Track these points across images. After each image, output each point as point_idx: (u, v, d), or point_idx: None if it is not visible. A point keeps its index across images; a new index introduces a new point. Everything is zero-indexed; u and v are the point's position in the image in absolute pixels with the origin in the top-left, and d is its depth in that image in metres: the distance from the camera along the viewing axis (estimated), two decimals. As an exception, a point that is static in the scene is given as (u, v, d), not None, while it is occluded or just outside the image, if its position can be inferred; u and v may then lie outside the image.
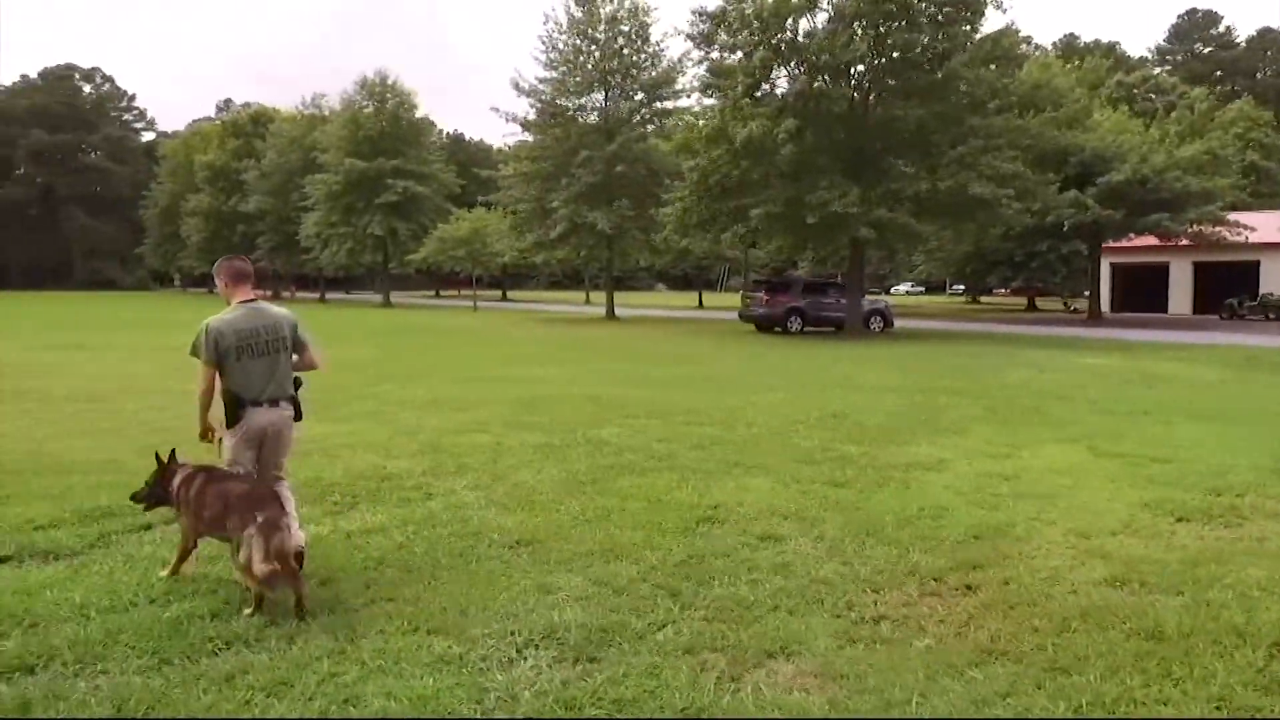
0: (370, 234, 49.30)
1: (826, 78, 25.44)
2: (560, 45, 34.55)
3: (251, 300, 4.74)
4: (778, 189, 25.62)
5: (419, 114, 52.88)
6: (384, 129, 50.31)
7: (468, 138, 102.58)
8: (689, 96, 34.64)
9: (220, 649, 3.80)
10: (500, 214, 50.21)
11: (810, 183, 23.87)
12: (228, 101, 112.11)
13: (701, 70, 27.14)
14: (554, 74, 35.18)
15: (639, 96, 35.15)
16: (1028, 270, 42.65)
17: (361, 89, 51.29)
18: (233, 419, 4.61)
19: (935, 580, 4.73)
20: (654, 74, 34.75)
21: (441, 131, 76.40)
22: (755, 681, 3.53)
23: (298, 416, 4.88)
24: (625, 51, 34.47)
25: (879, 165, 24.90)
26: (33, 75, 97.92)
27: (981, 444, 8.62)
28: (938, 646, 3.89)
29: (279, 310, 4.84)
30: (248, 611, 4.15)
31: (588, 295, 66.54)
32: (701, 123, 25.66)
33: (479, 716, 3.25)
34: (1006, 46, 25.64)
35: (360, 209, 49.65)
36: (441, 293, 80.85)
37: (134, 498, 4.92)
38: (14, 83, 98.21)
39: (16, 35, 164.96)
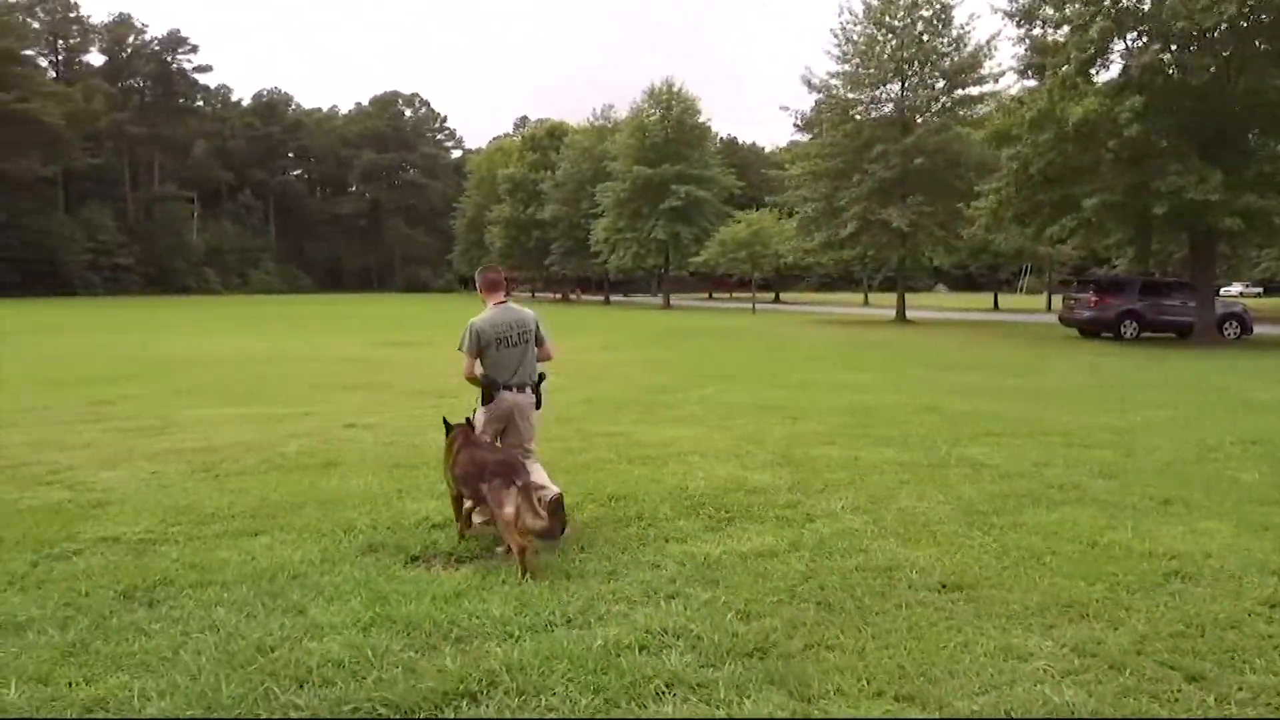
0: (654, 238, 50.58)
1: (1174, 47, 22.17)
2: (854, 36, 33.18)
3: (503, 302, 5.57)
4: (1111, 175, 22.72)
5: (701, 119, 53.43)
6: (669, 135, 51.48)
7: (740, 141, 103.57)
8: (995, 81, 32.12)
9: (662, 691, 3.35)
10: (775, 215, 49.67)
11: (1158, 167, 20.83)
12: (524, 118, 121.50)
13: (1021, 50, 24.72)
14: (846, 67, 33.86)
15: (939, 84, 32.94)
16: None
17: (649, 97, 52.83)
18: (486, 399, 5.50)
19: None
20: (956, 59, 32.38)
21: (716, 136, 77.30)
22: None
23: (538, 404, 5.67)
24: (925, 38, 32.43)
25: (1243, 145, 21.24)
26: (365, 102, 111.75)
27: None
28: None
29: (525, 310, 5.61)
30: (500, 549, 4.91)
31: (866, 296, 64.12)
32: (1025, 106, 23.22)
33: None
34: None
35: (645, 214, 51.13)
36: (714, 295, 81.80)
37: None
38: (350, 110, 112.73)
39: (357, 67, 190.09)
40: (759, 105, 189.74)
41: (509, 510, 4.66)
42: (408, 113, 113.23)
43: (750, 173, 73.26)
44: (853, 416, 10.00)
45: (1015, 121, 23.47)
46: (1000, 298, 56.55)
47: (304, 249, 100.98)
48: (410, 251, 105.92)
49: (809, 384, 13.31)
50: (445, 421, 5.61)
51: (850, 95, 33.64)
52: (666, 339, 24.85)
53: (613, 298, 73.10)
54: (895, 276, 35.94)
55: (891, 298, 39.12)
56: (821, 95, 34.28)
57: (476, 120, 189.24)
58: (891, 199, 31.42)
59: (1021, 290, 69.91)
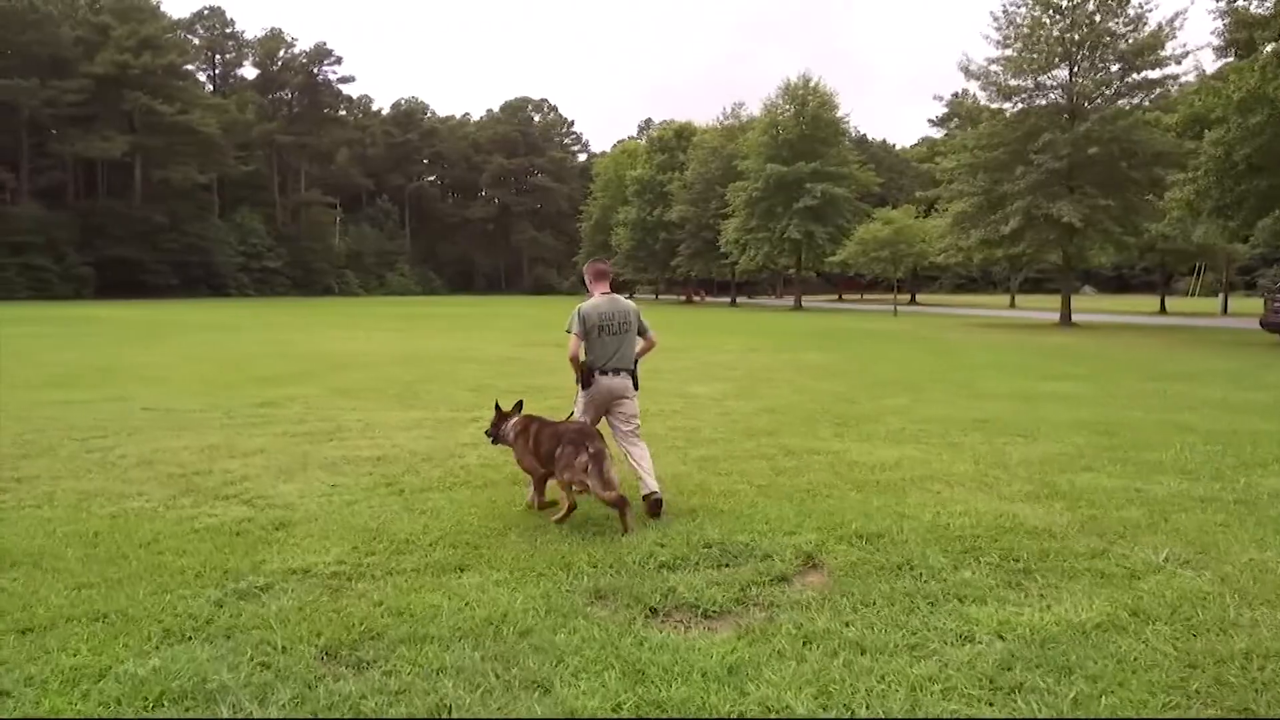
0: (787, 238, 49.04)
1: None
2: (1018, 19, 30.87)
3: (608, 293, 5.87)
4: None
5: (838, 114, 51.52)
6: (804, 132, 49.89)
7: (869, 138, 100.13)
8: (1178, 63, 29.22)
9: None
10: (912, 212, 47.24)
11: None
12: (648, 121, 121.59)
13: (1220, 24, 22.16)
14: (1008, 52, 31.56)
15: (1114, 68, 30.24)
16: None
17: (784, 92, 51.36)
18: (585, 383, 5.74)
19: None
20: (1134, 40, 29.62)
21: (852, 131, 74.66)
22: None
23: (635, 386, 5.90)
24: (1097, 18, 29.82)
25: None
26: (495, 109, 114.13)
27: None
28: None
29: (628, 302, 5.91)
30: (555, 518, 5.29)
31: (1013, 298, 60.45)
32: (1230, 85, 20.69)
33: None
34: None
35: (779, 213, 49.68)
36: (844, 296, 79.25)
37: (486, 433, 6.04)
38: (481, 117, 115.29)
39: (487, 74, 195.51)
40: (887, 101, 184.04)
41: (566, 476, 5.13)
42: (536, 118, 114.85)
43: (880, 170, 70.53)
44: (1094, 435, 8.56)
45: (1220, 103, 20.95)
46: (1166, 300, 52.01)
47: (436, 252, 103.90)
48: (537, 254, 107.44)
49: (1014, 395, 11.82)
50: (498, 405, 5.98)
51: (1012, 81, 31.31)
52: (819, 341, 23.48)
53: (737, 299, 71.70)
54: (1038, 278, 33.41)
55: (1039, 300, 36.58)
56: (980, 83, 32.09)
57: (597, 123, 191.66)
58: (1060, 192, 29.03)
59: (1193, 292, 64.38)
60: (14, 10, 62.40)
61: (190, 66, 78.50)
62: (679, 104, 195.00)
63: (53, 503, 5.77)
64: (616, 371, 5.75)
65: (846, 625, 3.85)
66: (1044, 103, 31.17)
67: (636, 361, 5.93)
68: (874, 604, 4.11)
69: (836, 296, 78.94)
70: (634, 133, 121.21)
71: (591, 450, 5.10)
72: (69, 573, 4.39)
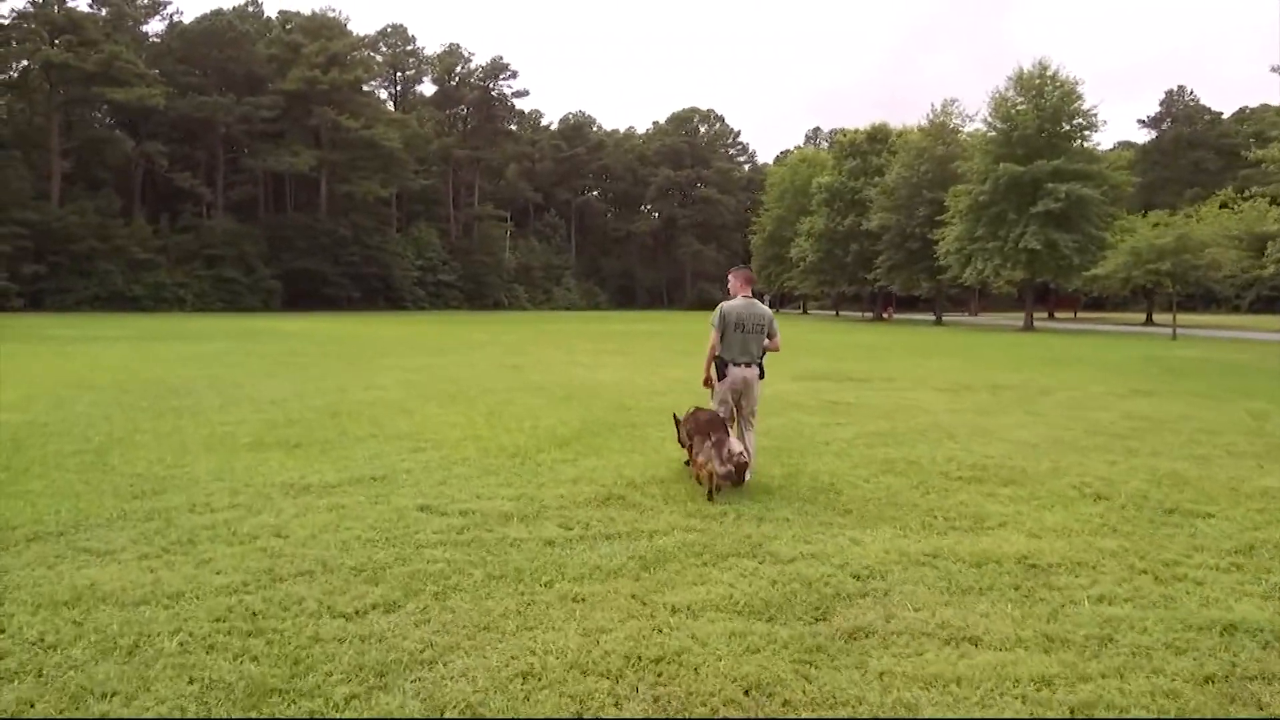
0: (1024, 248, 42.47)
1: None
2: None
3: (749, 297, 7.02)
4: None
5: (1085, 105, 44.58)
6: (1042, 126, 43.36)
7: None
8: None
9: None
10: (1186, 215, 39.92)
11: None
12: (816, 129, 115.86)
13: None
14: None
15: None
16: None
17: (1015, 83, 45.00)
18: (720, 374, 6.94)
19: None
20: None
21: (1101, 123, 66.09)
22: None
23: (761, 375, 6.99)
24: None
25: None
26: (662, 120, 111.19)
27: None
28: None
29: (764, 308, 7.00)
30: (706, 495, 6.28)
31: (1289, 321, 51.05)
32: None
33: None
34: None
35: (1011, 220, 43.29)
36: (1055, 314, 70.87)
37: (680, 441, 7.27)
38: (647, 129, 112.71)
39: (653, 87, 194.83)
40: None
41: (701, 459, 6.31)
42: (703, 129, 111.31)
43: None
44: None
45: None
46: None
47: (599, 266, 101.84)
48: (700, 268, 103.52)
49: None
50: (675, 416, 7.39)
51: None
52: (1201, 382, 17.46)
53: (917, 316, 64.86)
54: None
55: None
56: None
57: (758, 133, 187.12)
58: None
59: None
60: (215, 29, 63.99)
61: (374, 83, 79.23)
62: (841, 112, 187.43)
63: None
64: (749, 364, 6.90)
65: None
66: None
67: (763, 355, 6.99)
68: None
69: (1048, 314, 70.53)
70: (800, 141, 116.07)
71: (714, 438, 6.21)
72: None
